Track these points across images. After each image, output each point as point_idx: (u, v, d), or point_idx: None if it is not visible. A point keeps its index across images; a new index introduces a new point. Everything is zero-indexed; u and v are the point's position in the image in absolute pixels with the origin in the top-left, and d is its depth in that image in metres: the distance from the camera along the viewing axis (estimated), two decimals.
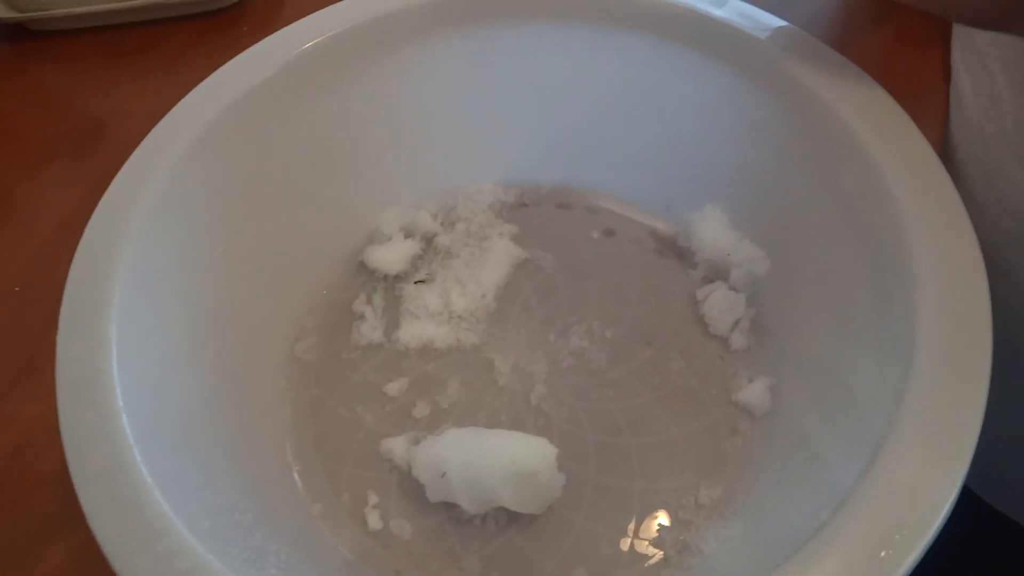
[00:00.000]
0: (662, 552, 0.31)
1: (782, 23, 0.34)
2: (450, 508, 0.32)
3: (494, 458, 0.30)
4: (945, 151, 0.41)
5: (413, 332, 0.36)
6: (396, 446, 0.33)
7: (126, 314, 0.28)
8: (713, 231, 0.37)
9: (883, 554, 0.22)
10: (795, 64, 0.32)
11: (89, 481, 0.24)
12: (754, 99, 0.34)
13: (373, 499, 0.32)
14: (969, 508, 0.45)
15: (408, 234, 0.39)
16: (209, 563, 0.23)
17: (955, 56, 0.42)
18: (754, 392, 0.34)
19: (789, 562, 0.22)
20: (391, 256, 0.38)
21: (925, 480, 0.23)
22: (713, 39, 0.34)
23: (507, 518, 0.31)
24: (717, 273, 0.37)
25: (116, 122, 0.46)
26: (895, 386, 0.25)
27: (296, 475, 0.33)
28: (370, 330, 0.36)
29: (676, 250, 0.39)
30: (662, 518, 0.31)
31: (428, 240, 0.39)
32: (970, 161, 0.39)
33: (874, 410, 0.27)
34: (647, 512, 0.32)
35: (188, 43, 0.49)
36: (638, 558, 0.31)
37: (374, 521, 0.32)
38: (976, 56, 0.39)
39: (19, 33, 0.50)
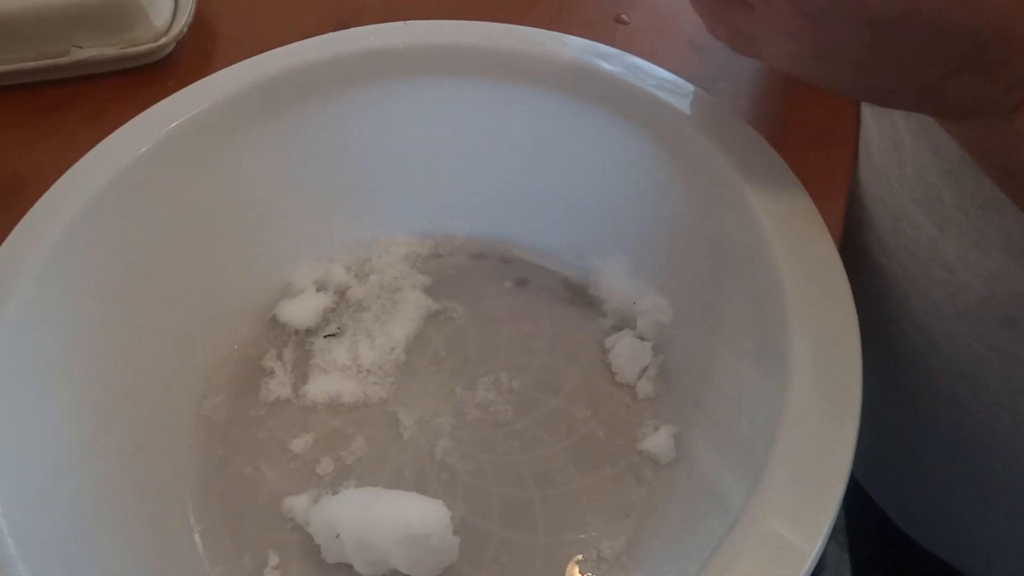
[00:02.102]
0: None
1: (676, 79, 0.34)
2: (350, 569, 0.31)
3: (386, 521, 0.30)
4: (854, 196, 0.42)
5: (321, 387, 0.36)
6: (298, 504, 0.33)
7: (5, 374, 0.28)
8: (619, 280, 0.37)
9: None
10: (687, 121, 0.33)
11: None
12: (652, 153, 0.35)
13: (274, 560, 0.32)
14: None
15: (321, 287, 0.39)
16: None
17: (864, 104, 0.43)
18: (658, 441, 0.34)
19: None
20: (302, 310, 0.38)
21: (791, 531, 0.23)
22: (609, 96, 0.35)
23: None
24: (625, 321, 0.37)
25: (37, 179, 0.46)
26: (771, 434, 0.26)
27: (197, 537, 0.33)
28: (278, 386, 0.36)
29: (587, 299, 0.39)
30: (564, 572, 0.31)
31: (341, 293, 0.39)
32: (877, 205, 0.40)
33: (760, 457, 0.27)
34: (549, 567, 0.31)
35: (112, 99, 0.49)
36: None
37: None
38: None
39: None
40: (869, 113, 0.41)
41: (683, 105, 0.33)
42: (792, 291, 0.28)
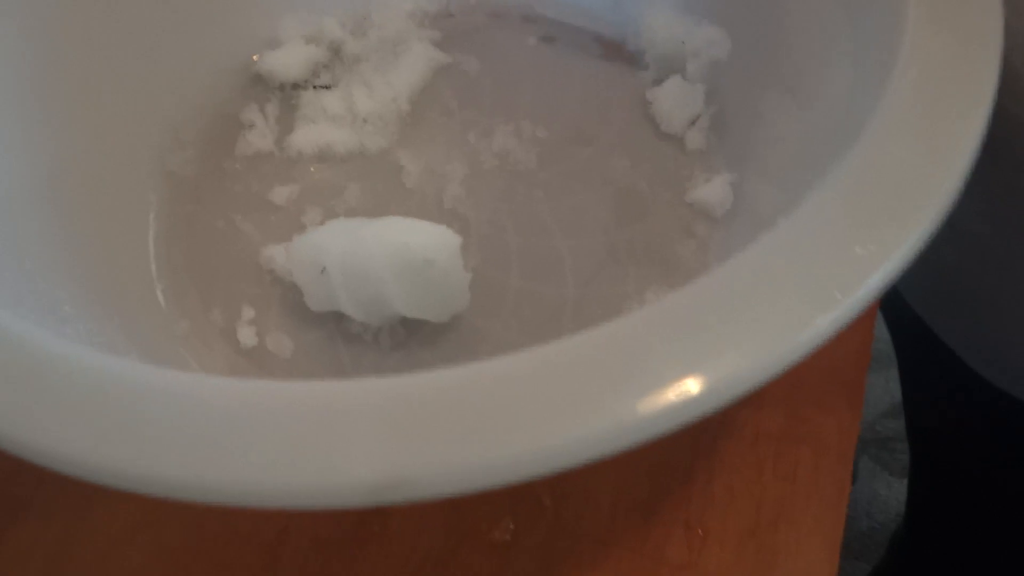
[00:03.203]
0: None
1: None
2: (339, 322, 0.26)
3: (381, 247, 0.24)
4: None
5: (309, 137, 0.30)
6: (279, 255, 0.27)
7: None
8: (666, 17, 0.31)
9: (858, 250, 0.16)
10: None
11: None
12: None
13: (248, 314, 0.26)
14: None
15: (311, 42, 0.33)
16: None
17: None
18: (713, 190, 0.28)
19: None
20: (288, 60, 0.32)
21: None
22: None
23: (406, 332, 0.26)
24: (671, 69, 0.31)
25: None
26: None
27: (160, 293, 0.27)
28: (259, 138, 0.31)
29: (625, 55, 0.33)
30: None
31: (334, 50, 0.33)
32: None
33: None
34: (581, 321, 0.26)
35: None
36: None
37: (247, 337, 0.26)
38: None
39: None
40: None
41: None
42: None
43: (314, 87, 0.32)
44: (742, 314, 0.15)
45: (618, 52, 0.33)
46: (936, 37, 0.21)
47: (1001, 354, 0.37)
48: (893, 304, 0.42)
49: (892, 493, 0.74)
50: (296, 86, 0.32)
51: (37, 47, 0.27)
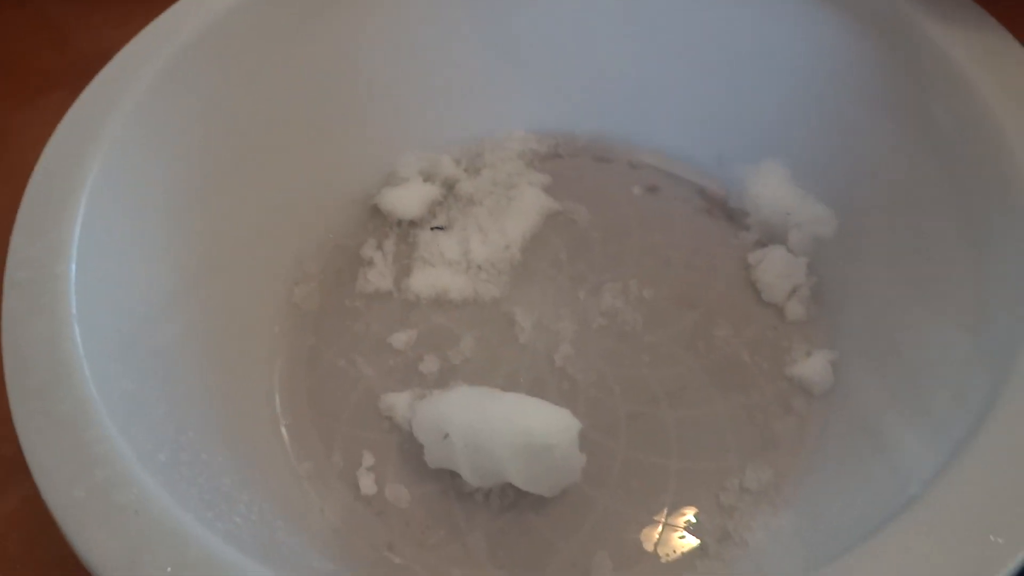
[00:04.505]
0: (699, 540, 0.26)
1: None
2: (453, 477, 0.27)
3: (504, 424, 0.25)
4: None
5: (426, 281, 0.32)
6: (398, 403, 0.29)
7: (94, 220, 0.24)
8: (771, 188, 0.32)
9: (994, 538, 0.17)
10: None
11: (26, 396, 0.20)
12: (827, 32, 0.30)
13: (368, 460, 0.28)
14: None
15: (427, 179, 0.35)
16: (157, 498, 0.19)
17: None
18: (813, 367, 0.29)
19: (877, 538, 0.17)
20: (407, 200, 0.34)
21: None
22: None
23: (515, 493, 0.27)
24: (773, 236, 0.33)
25: None
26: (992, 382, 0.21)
27: (284, 429, 0.29)
28: (378, 277, 0.33)
29: (727, 211, 0.34)
30: (701, 502, 0.27)
31: (449, 186, 0.35)
32: None
33: (960, 407, 0.22)
34: (683, 494, 0.27)
35: None
36: (671, 545, 0.26)
37: (367, 485, 0.28)
38: None
39: None
40: None
41: None
42: None
43: (431, 228, 0.34)
44: None
45: (721, 207, 0.34)
46: None
47: None
48: None
49: None
50: (413, 223, 0.34)
51: (179, 179, 0.29)
